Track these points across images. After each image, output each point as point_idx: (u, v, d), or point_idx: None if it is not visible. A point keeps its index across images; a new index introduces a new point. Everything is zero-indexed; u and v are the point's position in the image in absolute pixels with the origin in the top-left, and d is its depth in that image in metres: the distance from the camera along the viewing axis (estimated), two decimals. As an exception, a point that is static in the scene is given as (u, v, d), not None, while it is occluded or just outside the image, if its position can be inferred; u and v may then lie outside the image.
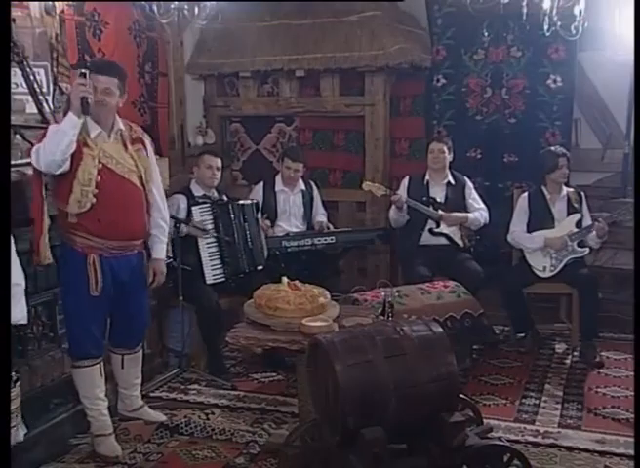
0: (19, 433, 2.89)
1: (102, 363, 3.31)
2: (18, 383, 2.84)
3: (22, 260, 3.05)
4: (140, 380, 3.59)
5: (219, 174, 4.40)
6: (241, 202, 4.43)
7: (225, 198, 4.48)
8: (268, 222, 4.71)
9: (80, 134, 3.00)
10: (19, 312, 2.70)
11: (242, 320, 3.31)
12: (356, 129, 5.47)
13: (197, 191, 4.35)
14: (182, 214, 4.21)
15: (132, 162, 3.21)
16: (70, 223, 3.10)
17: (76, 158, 3.03)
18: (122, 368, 3.47)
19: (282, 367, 4.24)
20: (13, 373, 2.78)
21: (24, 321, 2.75)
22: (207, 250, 4.24)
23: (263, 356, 4.23)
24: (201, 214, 4.24)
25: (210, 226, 4.25)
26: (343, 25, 5.14)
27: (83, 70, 2.96)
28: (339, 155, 5.67)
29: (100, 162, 3.09)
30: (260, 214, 4.57)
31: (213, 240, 4.27)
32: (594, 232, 4.33)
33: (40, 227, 3.04)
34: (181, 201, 4.24)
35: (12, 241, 2.67)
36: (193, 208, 4.23)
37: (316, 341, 2.68)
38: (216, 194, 4.44)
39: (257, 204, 4.54)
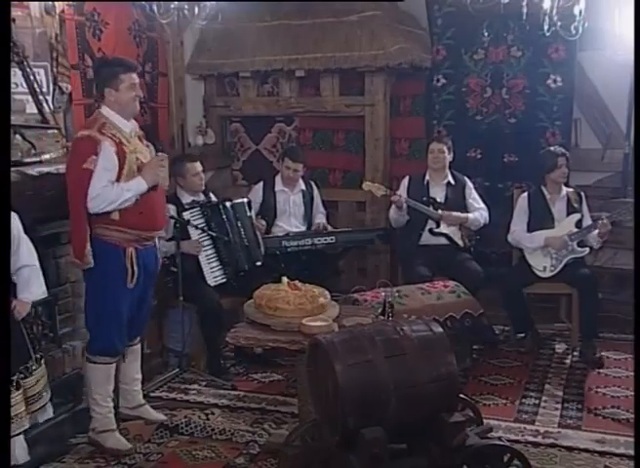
0: (47, 411, 3.05)
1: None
2: (42, 360, 2.98)
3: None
4: (140, 375, 3.61)
5: (203, 176, 4.39)
6: (230, 202, 4.43)
7: (214, 198, 4.46)
8: (263, 222, 4.68)
9: (114, 134, 3.14)
10: (36, 289, 2.90)
11: (242, 320, 3.31)
12: (356, 129, 5.46)
13: (185, 198, 4.31)
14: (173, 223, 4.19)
15: (149, 156, 3.33)
16: (112, 220, 3.16)
17: (121, 157, 3.14)
18: (124, 361, 3.48)
19: (273, 365, 4.27)
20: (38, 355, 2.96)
21: (45, 295, 3.01)
22: (204, 253, 4.22)
23: (255, 355, 4.30)
24: (193, 219, 4.21)
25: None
26: (343, 25, 5.13)
27: (165, 155, 3.28)
28: (339, 155, 5.67)
29: (137, 158, 3.21)
30: (253, 213, 4.56)
31: (209, 242, 4.25)
32: (597, 231, 4.32)
33: (84, 236, 3.11)
34: (171, 209, 4.16)
35: (21, 225, 2.75)
36: (183, 213, 4.18)
37: (316, 341, 2.68)
38: (203, 197, 4.41)
39: (249, 202, 4.52)
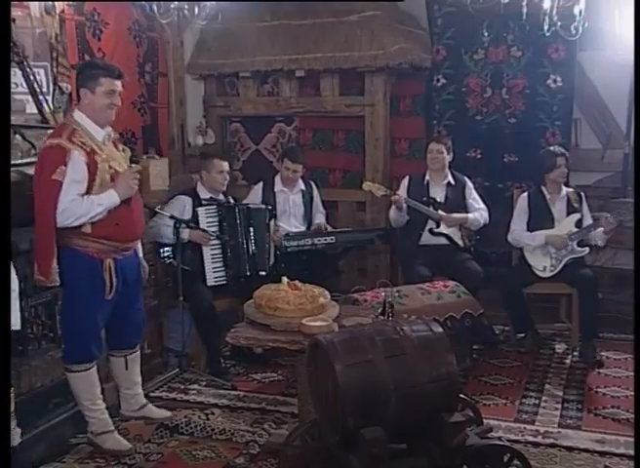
0: (14, 438, 2.85)
1: None
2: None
3: (22, 260, 3.06)
4: (140, 378, 3.60)
5: (228, 177, 4.40)
6: (250, 206, 4.42)
7: (232, 200, 4.47)
8: (281, 234, 4.63)
9: (85, 143, 3.03)
10: (12, 318, 2.62)
11: (242, 320, 3.31)
12: (356, 129, 5.46)
13: (204, 194, 4.32)
14: (187, 216, 4.18)
15: (124, 162, 3.24)
16: (83, 232, 3.06)
17: (92, 168, 3.03)
18: (126, 369, 3.47)
19: (273, 365, 4.28)
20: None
21: (18, 327, 2.71)
22: (210, 252, 4.22)
23: (255, 355, 4.31)
24: (207, 216, 4.21)
25: (215, 229, 4.23)
26: (343, 25, 5.14)
27: (138, 166, 3.20)
28: (339, 155, 5.67)
29: (110, 166, 3.11)
30: (273, 222, 4.54)
31: (217, 242, 4.25)
32: (602, 228, 4.31)
33: (51, 252, 2.99)
34: (187, 202, 4.22)
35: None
36: (199, 209, 4.21)
37: (316, 341, 2.68)
38: (222, 197, 4.42)
39: (270, 210, 4.51)
